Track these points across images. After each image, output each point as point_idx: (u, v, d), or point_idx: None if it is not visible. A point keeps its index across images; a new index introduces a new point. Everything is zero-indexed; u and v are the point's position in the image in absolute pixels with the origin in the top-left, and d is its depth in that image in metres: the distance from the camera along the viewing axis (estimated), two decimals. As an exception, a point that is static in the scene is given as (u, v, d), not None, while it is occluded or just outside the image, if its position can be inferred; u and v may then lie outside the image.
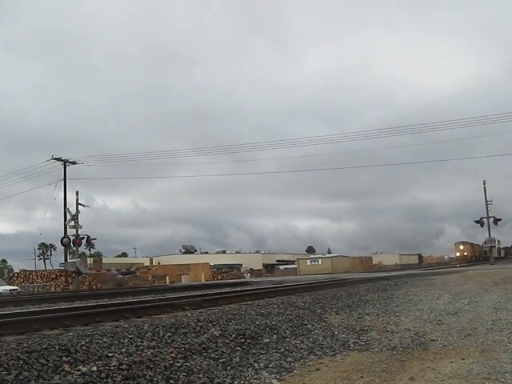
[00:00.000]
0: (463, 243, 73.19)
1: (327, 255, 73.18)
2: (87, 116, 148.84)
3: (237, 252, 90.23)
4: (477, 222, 48.45)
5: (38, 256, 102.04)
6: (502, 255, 70.85)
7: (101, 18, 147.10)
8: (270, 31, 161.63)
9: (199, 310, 9.53)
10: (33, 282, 39.59)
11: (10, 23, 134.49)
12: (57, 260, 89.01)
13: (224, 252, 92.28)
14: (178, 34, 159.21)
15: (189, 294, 17.35)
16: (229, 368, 5.46)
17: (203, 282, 41.49)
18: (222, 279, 49.11)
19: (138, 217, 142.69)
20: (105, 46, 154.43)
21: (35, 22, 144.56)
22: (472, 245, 75.33)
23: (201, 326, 7.10)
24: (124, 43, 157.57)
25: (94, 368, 4.74)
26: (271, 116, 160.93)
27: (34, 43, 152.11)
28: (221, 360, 5.69)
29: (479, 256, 75.91)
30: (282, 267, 74.18)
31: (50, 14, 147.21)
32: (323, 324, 8.41)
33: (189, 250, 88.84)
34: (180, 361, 5.39)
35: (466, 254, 70.66)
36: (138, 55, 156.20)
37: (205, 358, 5.69)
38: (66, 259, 38.59)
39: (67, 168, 39.51)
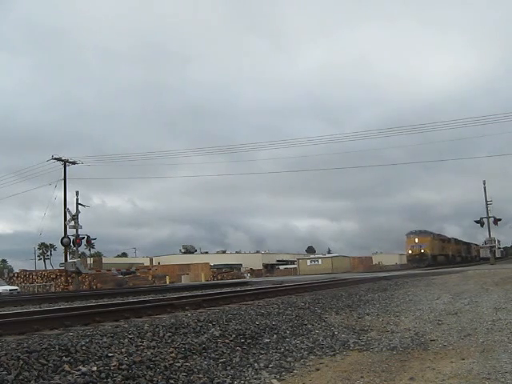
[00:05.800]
0: (420, 234, 49.65)
1: (327, 255, 73.05)
2: (81, 113, 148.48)
3: (237, 252, 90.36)
4: (477, 221, 48.31)
5: (38, 256, 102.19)
6: (499, 255, 55.73)
7: (93, 14, 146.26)
8: (266, 27, 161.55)
9: (199, 310, 9.53)
10: (33, 282, 39.70)
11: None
12: (57, 260, 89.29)
13: (224, 252, 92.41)
14: (173, 31, 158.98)
15: (189, 294, 17.35)
16: (229, 368, 5.45)
17: (203, 282, 41.51)
18: (221, 279, 49.11)
19: (137, 217, 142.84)
20: (97, 43, 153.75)
21: (26, 18, 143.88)
22: (439, 238, 52.64)
23: (201, 326, 7.09)
24: (118, 40, 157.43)
25: (94, 368, 4.74)
26: (268, 114, 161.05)
27: (23, 39, 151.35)
28: (221, 360, 5.69)
29: (457, 256, 58.22)
30: (281, 267, 74.27)
31: (41, 9, 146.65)
32: (323, 324, 8.41)
33: (189, 250, 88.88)
34: (180, 361, 5.39)
35: (423, 250, 48.37)
36: (132, 52, 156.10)
37: (205, 358, 5.69)
38: (66, 259, 38.58)
39: (67, 168, 39.55)
